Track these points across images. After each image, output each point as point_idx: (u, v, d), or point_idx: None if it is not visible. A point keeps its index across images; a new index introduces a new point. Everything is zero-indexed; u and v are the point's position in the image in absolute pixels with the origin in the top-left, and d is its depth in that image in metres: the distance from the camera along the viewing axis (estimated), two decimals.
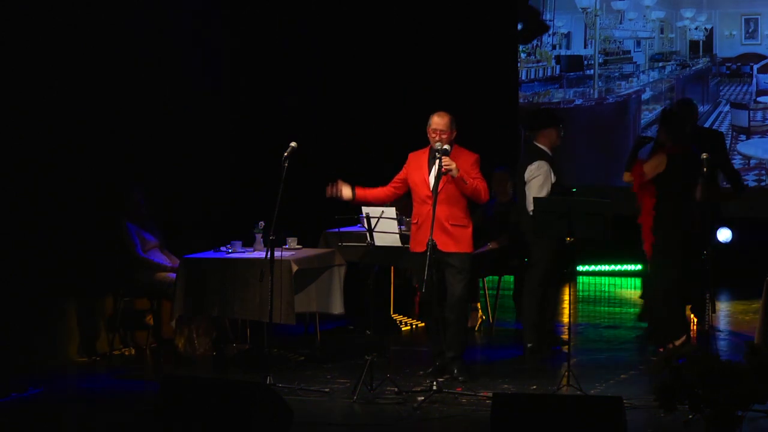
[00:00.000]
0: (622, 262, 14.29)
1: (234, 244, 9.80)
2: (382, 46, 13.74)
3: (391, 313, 11.12)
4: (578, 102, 14.34)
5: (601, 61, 14.35)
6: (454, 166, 8.62)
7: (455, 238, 8.81)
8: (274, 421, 6.83)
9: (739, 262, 12.05)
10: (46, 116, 9.56)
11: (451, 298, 8.97)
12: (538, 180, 9.57)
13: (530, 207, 9.45)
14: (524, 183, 9.65)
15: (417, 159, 8.94)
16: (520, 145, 14.29)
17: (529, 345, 9.68)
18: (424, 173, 8.86)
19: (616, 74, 14.34)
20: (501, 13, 14.15)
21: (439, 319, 8.91)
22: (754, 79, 13.95)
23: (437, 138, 8.77)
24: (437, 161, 8.70)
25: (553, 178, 9.60)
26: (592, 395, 8.06)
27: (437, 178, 8.64)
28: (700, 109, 13.49)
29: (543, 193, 9.51)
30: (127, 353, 10.06)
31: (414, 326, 11.04)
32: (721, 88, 14.06)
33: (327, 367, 9.38)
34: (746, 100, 14.01)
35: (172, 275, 9.79)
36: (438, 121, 8.81)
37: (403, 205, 10.27)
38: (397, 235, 8.71)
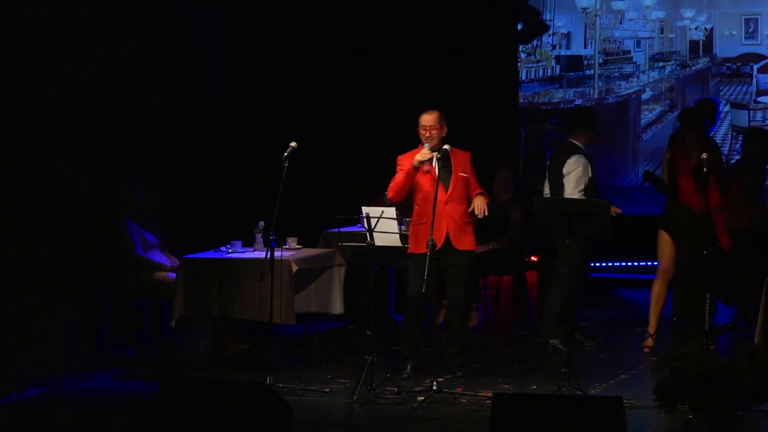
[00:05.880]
0: (622, 262, 14.30)
1: (234, 244, 9.80)
2: (382, 46, 13.74)
3: (391, 313, 11.13)
4: (578, 102, 14.33)
5: (601, 61, 14.35)
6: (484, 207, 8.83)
7: (468, 235, 8.98)
8: (274, 421, 6.83)
9: (740, 263, 12.03)
10: (46, 116, 9.55)
11: (452, 299, 9.00)
12: (576, 173, 9.75)
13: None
14: (562, 176, 9.78)
15: (410, 161, 8.94)
16: (519, 145, 14.30)
17: (552, 341, 9.72)
18: (426, 175, 8.87)
19: (616, 74, 14.34)
20: (501, 13, 14.15)
21: (421, 321, 8.98)
22: (754, 79, 13.94)
23: (427, 134, 8.85)
24: (438, 161, 8.78)
25: (590, 173, 9.78)
26: (592, 395, 8.06)
27: (443, 178, 8.71)
28: None
29: (581, 187, 9.69)
30: (127, 353, 10.06)
31: None
32: (721, 88, 14.06)
33: (327, 367, 9.38)
34: (746, 100, 14.00)
35: (172, 275, 9.79)
36: (427, 118, 8.89)
37: (401, 204, 10.28)
38: (397, 235, 8.72)
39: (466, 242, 8.93)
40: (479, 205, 8.83)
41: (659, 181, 10.16)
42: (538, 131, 13.19)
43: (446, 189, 8.81)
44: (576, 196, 9.64)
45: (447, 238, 8.86)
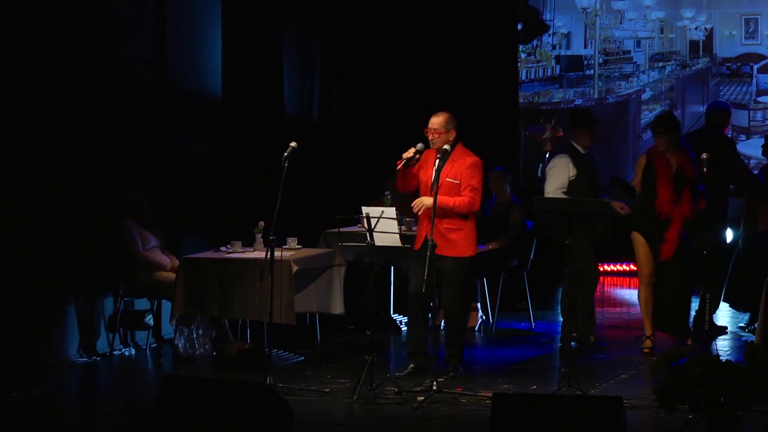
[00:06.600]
0: (622, 262, 14.29)
1: (234, 244, 9.80)
2: (383, 46, 13.73)
3: (391, 313, 11.13)
4: (578, 102, 14.33)
5: (601, 61, 14.35)
6: (421, 206, 8.70)
7: (450, 242, 8.83)
8: (274, 421, 6.83)
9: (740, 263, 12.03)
10: (46, 116, 9.55)
11: (445, 305, 8.98)
12: (553, 171, 9.94)
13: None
14: None
15: (426, 158, 8.96)
16: (520, 145, 14.30)
17: (591, 338, 9.90)
18: (429, 172, 8.88)
19: (616, 74, 14.34)
20: (501, 13, 14.14)
21: (424, 320, 8.96)
22: (754, 79, 13.95)
23: (431, 137, 8.84)
24: (437, 161, 8.78)
25: (572, 172, 9.85)
26: (592, 395, 8.06)
27: (435, 178, 8.69)
28: (700, 109, 13.50)
29: (558, 185, 9.83)
30: (127, 353, 10.06)
31: None
32: (721, 88, 14.06)
33: (327, 367, 9.38)
34: (746, 100, 14.01)
35: (172, 275, 9.78)
36: (433, 120, 8.91)
37: (403, 204, 10.29)
38: (397, 235, 8.71)
39: (446, 248, 8.79)
40: (419, 201, 8.76)
41: (627, 186, 9.99)
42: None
43: (429, 192, 8.75)
44: (555, 195, 9.69)
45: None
